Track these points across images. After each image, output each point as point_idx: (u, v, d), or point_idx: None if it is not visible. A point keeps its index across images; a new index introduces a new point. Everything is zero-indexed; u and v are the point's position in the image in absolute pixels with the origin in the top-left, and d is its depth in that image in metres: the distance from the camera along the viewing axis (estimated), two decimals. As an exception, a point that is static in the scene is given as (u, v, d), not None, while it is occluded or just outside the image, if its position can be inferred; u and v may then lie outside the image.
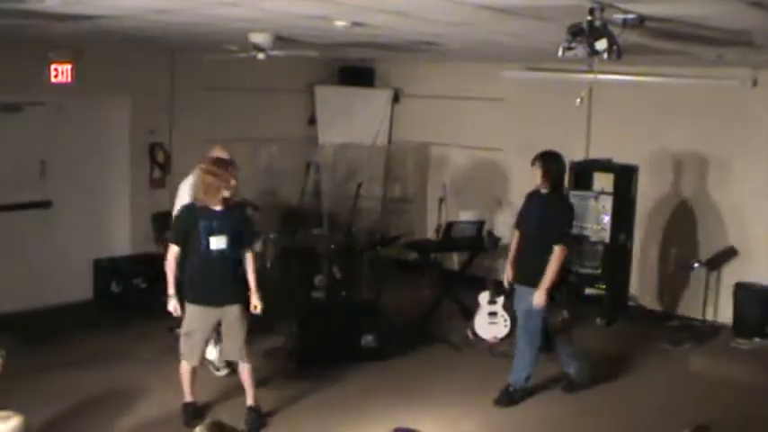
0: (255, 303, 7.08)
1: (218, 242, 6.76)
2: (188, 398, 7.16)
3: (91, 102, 9.99)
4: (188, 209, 6.92)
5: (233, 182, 6.81)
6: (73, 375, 7.75)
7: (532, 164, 7.79)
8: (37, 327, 9.09)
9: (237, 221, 6.95)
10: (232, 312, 6.97)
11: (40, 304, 9.49)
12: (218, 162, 6.91)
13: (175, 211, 7.59)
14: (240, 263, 7.02)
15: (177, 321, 8.99)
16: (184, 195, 7.82)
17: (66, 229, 9.90)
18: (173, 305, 6.88)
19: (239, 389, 7.55)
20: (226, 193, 6.78)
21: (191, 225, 6.77)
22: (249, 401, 7.16)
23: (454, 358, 8.97)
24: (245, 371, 7.13)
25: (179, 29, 7.27)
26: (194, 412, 7.12)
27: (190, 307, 6.90)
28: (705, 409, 7.74)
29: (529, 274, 7.65)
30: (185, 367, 7.09)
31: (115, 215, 10.45)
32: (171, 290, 6.85)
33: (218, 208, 6.78)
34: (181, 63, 10.65)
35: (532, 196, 7.91)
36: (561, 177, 7.87)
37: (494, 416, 7.57)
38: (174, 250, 6.83)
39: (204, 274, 6.85)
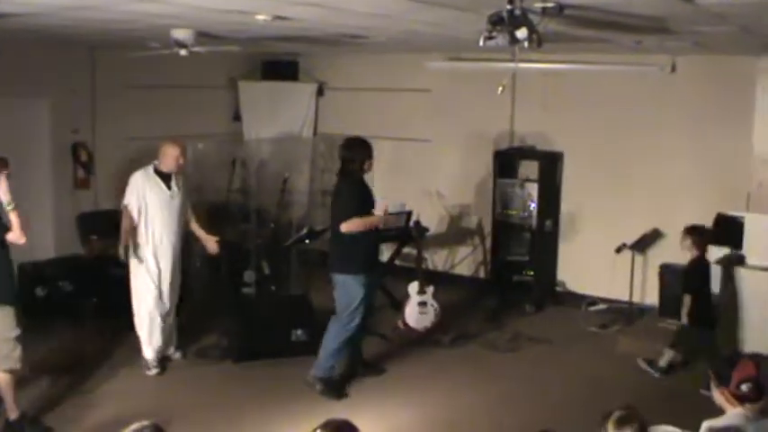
0: None
1: None
2: (18, 411, 6.79)
3: (9, 102, 9.78)
4: None
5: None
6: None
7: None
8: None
9: None
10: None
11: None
12: None
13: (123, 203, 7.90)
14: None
15: (106, 324, 8.97)
16: (131, 187, 7.97)
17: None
18: None
19: (169, 388, 7.53)
20: None
21: None
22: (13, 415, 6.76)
23: (386, 349, 8.99)
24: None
25: (97, 26, 7.18)
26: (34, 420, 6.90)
27: (9, 309, 6.63)
28: (632, 389, 7.88)
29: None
30: (7, 377, 6.67)
31: (38, 218, 10.24)
32: None
33: None
34: (101, 61, 10.51)
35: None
36: (350, 164, 7.71)
37: (428, 406, 7.61)
38: None
39: (11, 270, 6.85)
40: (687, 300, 8.19)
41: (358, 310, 7.63)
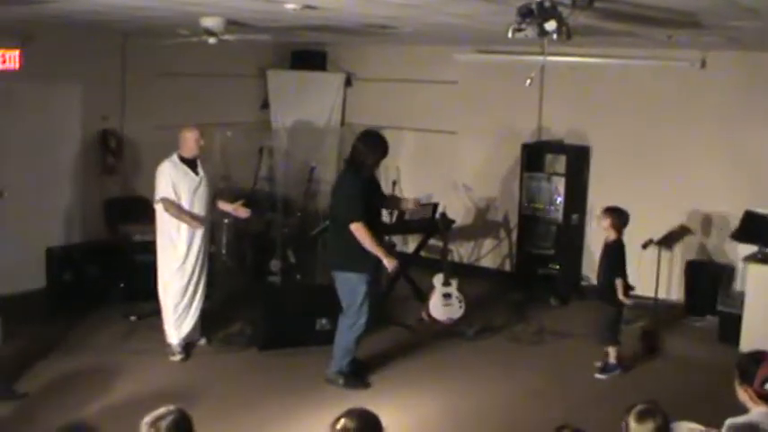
0: None
1: None
2: None
3: (41, 88, 9.85)
4: None
5: None
6: (29, 365, 7.68)
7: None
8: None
9: None
10: None
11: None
12: None
13: (156, 197, 7.94)
14: None
15: (133, 309, 9.05)
16: (165, 179, 8.00)
17: (17, 217, 9.77)
18: None
19: (193, 374, 7.57)
20: None
21: None
22: None
23: (410, 341, 9.00)
24: None
25: (128, 12, 7.21)
26: None
27: None
28: (655, 385, 7.85)
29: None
30: None
31: (67, 202, 10.34)
32: None
33: None
34: (132, 48, 10.55)
35: None
36: (362, 157, 7.61)
37: (449, 397, 7.62)
38: None
39: None
40: (620, 283, 8.11)
41: (363, 307, 7.57)
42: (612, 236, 8.25)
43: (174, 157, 8.11)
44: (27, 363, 7.76)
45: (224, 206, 8.66)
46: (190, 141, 8.09)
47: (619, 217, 8.28)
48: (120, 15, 7.48)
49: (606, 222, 8.26)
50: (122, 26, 9.00)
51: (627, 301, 8.17)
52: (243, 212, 8.65)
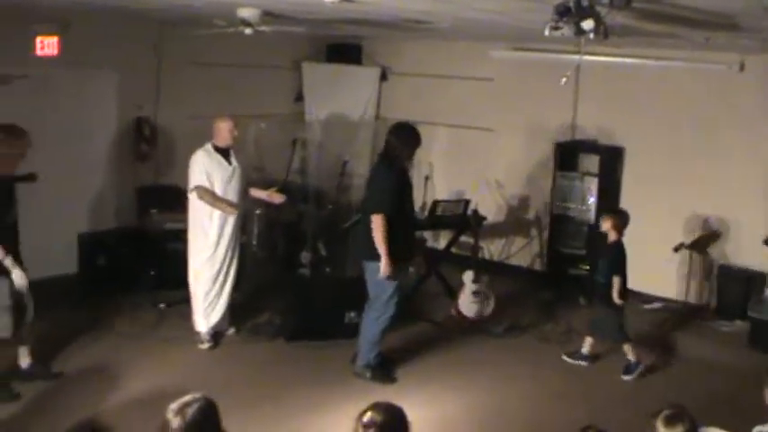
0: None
1: None
2: None
3: (77, 75, 9.92)
4: None
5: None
6: (58, 350, 7.75)
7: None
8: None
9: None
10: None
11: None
12: (12, 132, 6.96)
13: (190, 185, 8.01)
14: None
15: (163, 297, 9.10)
16: (199, 167, 8.05)
17: (50, 202, 9.84)
18: None
19: (220, 362, 7.61)
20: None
21: None
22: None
23: (438, 336, 9.00)
24: None
25: (167, 1, 7.24)
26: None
27: (3, 279, 6.80)
28: (683, 389, 7.81)
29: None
30: None
31: (100, 189, 10.41)
32: None
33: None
34: (168, 37, 10.59)
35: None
36: (395, 150, 7.64)
37: (476, 394, 7.61)
38: None
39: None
40: (617, 282, 8.09)
41: (391, 300, 7.58)
42: (613, 237, 8.25)
43: (208, 147, 8.16)
44: (57, 346, 7.83)
45: (257, 193, 8.70)
46: (224, 131, 8.14)
47: (619, 218, 8.33)
48: (157, 4, 7.52)
49: (608, 224, 8.27)
50: (159, 15, 9.04)
51: (619, 302, 8.14)
52: (277, 198, 8.69)
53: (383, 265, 7.36)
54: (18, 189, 9.34)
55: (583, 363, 8.39)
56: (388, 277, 7.43)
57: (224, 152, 8.18)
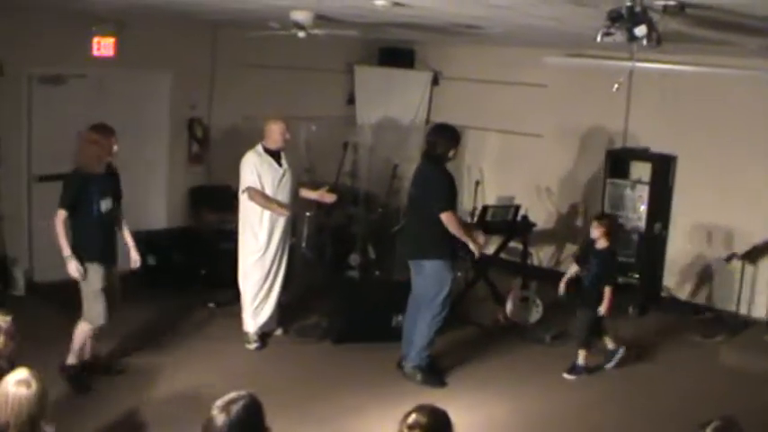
0: (136, 258, 7.42)
1: (105, 205, 7.02)
2: (76, 360, 7.22)
3: (132, 75, 10.07)
4: (78, 176, 7.02)
5: (115, 148, 7.10)
6: (107, 346, 7.83)
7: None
8: (74, 296, 9.19)
9: (116, 183, 7.27)
10: (116, 271, 7.26)
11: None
12: (101, 130, 7.06)
13: (242, 187, 8.14)
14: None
15: (213, 297, 9.17)
16: (250, 169, 8.12)
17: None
18: (74, 266, 6.90)
19: (267, 362, 7.66)
20: (108, 159, 7.11)
21: (81, 191, 6.94)
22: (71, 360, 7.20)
23: (485, 342, 8.98)
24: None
25: (220, 5, 7.31)
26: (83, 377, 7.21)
27: (94, 266, 6.99)
28: (733, 401, 7.71)
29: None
30: (88, 328, 7.14)
31: (152, 189, 10.53)
32: (68, 251, 6.90)
33: (101, 172, 7.04)
34: (222, 39, 10.70)
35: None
36: (437, 149, 7.72)
37: (522, 400, 7.59)
38: (63, 216, 6.87)
39: (100, 235, 7.05)
40: (609, 292, 8.09)
41: (449, 296, 7.63)
42: (604, 243, 8.24)
43: (259, 148, 8.22)
44: (108, 343, 7.91)
45: (308, 194, 8.76)
46: (275, 134, 8.19)
47: (612, 224, 8.42)
48: (211, 7, 7.59)
49: (601, 230, 8.23)
50: (213, 17, 9.13)
51: (606, 313, 8.17)
52: (329, 197, 8.75)
53: (474, 247, 7.71)
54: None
55: (583, 374, 8.27)
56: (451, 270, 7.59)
57: (275, 154, 8.23)
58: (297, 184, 8.62)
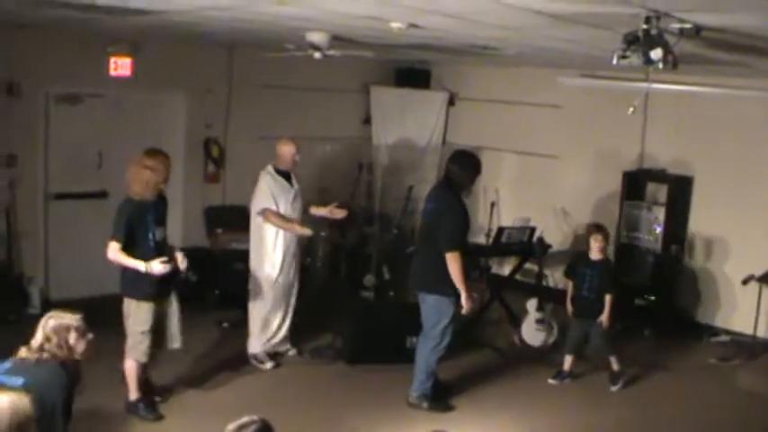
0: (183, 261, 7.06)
1: (160, 233, 6.85)
2: (138, 394, 7.09)
3: (148, 95, 10.12)
4: (132, 204, 6.83)
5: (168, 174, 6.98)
6: (119, 365, 7.82)
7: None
8: (88, 315, 9.18)
9: (165, 209, 7.07)
10: (173, 300, 7.13)
11: (93, 292, 9.60)
12: (158, 157, 6.93)
13: (257, 208, 8.06)
14: None
15: (226, 316, 9.15)
16: (265, 190, 8.09)
17: (120, 220, 10.02)
18: (155, 264, 6.67)
19: (281, 383, 7.64)
20: (162, 186, 6.96)
21: (137, 220, 6.75)
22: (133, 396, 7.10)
23: (500, 364, 8.95)
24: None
25: (236, 26, 7.34)
26: (151, 404, 7.13)
27: (145, 305, 6.84)
28: (750, 426, 7.66)
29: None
30: (136, 366, 7.01)
31: (169, 208, 10.53)
32: (141, 264, 6.67)
33: (153, 199, 6.89)
34: (238, 59, 10.75)
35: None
36: (459, 178, 7.60)
37: (537, 425, 7.54)
38: (116, 248, 6.68)
39: None
40: (611, 300, 8.23)
41: (448, 328, 7.50)
42: (600, 255, 8.37)
43: (271, 169, 8.21)
44: (118, 364, 7.89)
45: (318, 211, 8.72)
46: (287, 155, 8.19)
47: (608, 236, 8.60)
48: (227, 28, 7.62)
49: (602, 243, 8.37)
50: (229, 38, 9.17)
51: (607, 323, 8.29)
52: (339, 213, 8.69)
53: (464, 301, 7.35)
54: (88, 209, 9.59)
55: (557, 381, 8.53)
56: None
57: (286, 174, 8.23)
58: (306, 202, 8.60)
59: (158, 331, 7.06)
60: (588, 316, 8.33)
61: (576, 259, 8.80)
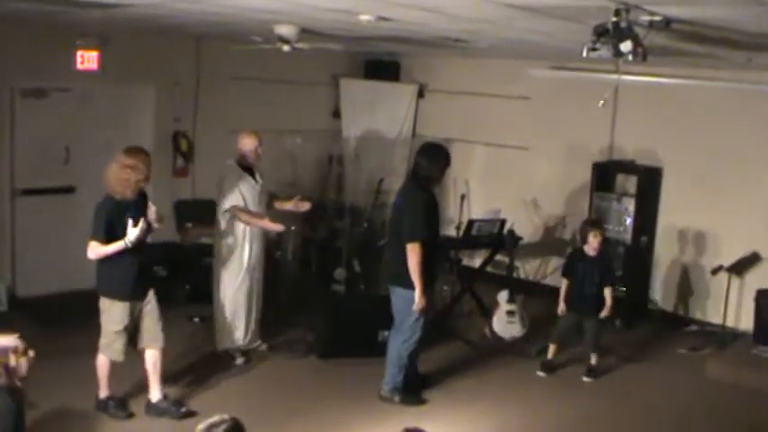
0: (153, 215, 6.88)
1: (137, 232, 6.61)
2: (108, 392, 7.02)
3: (116, 89, 10.03)
4: (112, 203, 6.68)
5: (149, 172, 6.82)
6: (89, 362, 7.72)
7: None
8: (56, 312, 9.14)
9: (145, 208, 6.87)
10: (150, 298, 6.97)
11: (61, 288, 9.54)
12: (138, 155, 6.79)
13: (225, 206, 7.93)
14: None
15: (197, 311, 9.09)
16: (232, 188, 7.97)
17: (88, 215, 9.87)
18: (134, 233, 6.52)
19: (252, 378, 7.60)
20: (143, 185, 6.82)
21: (117, 219, 6.61)
22: (158, 393, 7.03)
23: (471, 356, 8.94)
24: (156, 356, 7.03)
25: (204, 18, 7.29)
26: (121, 402, 7.07)
27: (119, 304, 6.74)
28: (721, 415, 7.70)
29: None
30: (107, 362, 6.91)
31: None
32: (121, 244, 6.54)
33: (134, 198, 6.75)
34: (207, 52, 10.67)
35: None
36: (427, 172, 7.49)
37: (508, 417, 7.55)
38: (96, 247, 6.62)
39: (132, 269, 6.76)
40: (611, 292, 8.42)
41: (419, 322, 7.43)
42: (596, 251, 8.42)
43: (235, 165, 8.09)
44: (88, 362, 7.81)
45: (282, 205, 8.58)
46: (250, 150, 8.07)
47: (605, 231, 8.78)
48: (194, 20, 7.56)
49: (601, 238, 8.45)
50: (197, 30, 9.10)
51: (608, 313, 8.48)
52: (303, 206, 8.54)
53: (417, 299, 7.26)
54: (55, 205, 9.48)
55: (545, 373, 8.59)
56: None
57: (249, 169, 8.14)
58: (269, 196, 8.51)
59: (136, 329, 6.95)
60: (586, 311, 8.40)
61: (572, 257, 8.79)
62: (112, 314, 6.77)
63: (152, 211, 6.85)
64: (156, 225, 6.92)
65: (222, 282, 8.19)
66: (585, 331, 8.51)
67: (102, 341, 6.86)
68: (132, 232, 6.52)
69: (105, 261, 6.70)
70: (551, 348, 8.61)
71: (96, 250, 6.62)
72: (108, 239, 6.60)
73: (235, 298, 8.18)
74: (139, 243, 6.67)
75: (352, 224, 11.30)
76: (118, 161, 6.72)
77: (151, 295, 6.98)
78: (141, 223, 6.55)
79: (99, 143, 9.85)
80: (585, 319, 8.46)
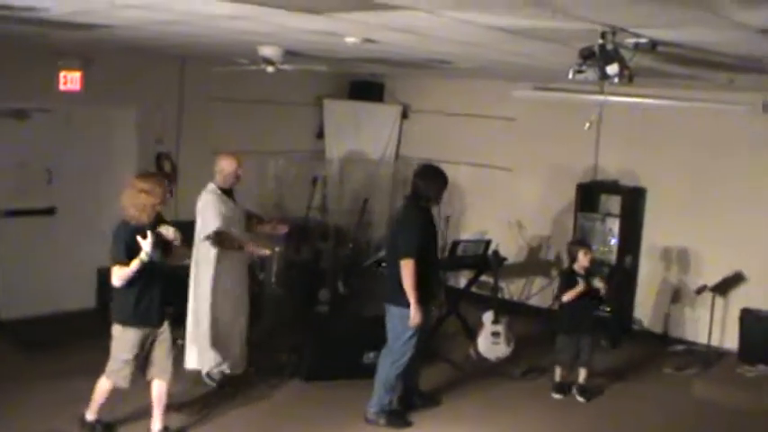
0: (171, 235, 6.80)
1: (156, 255, 6.56)
2: (97, 415, 6.96)
3: (98, 110, 9.98)
4: (129, 228, 6.60)
5: (168, 196, 6.79)
6: (74, 384, 7.67)
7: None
8: (39, 334, 9.06)
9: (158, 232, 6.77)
10: (165, 328, 6.89)
11: (42, 311, 9.47)
12: (152, 179, 6.75)
13: (206, 231, 7.82)
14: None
15: (181, 332, 9.02)
16: (213, 212, 7.85)
17: (70, 237, 9.88)
18: (147, 247, 6.43)
19: (236, 401, 7.55)
20: (160, 209, 6.73)
21: (133, 243, 6.48)
22: (159, 425, 6.95)
23: (456, 378, 8.91)
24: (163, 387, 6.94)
25: (187, 40, 7.27)
26: (108, 427, 7.02)
27: (131, 330, 6.66)
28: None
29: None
30: (108, 388, 6.85)
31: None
32: (139, 261, 6.44)
33: (150, 222, 6.64)
34: (190, 73, 10.64)
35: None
36: (423, 192, 7.56)
37: (495, 437, 7.53)
38: (119, 271, 6.53)
39: (146, 294, 6.70)
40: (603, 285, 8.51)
41: (411, 341, 7.41)
42: (586, 270, 8.47)
43: (215, 188, 7.98)
44: (73, 380, 7.75)
45: (262, 227, 8.50)
46: (230, 172, 7.97)
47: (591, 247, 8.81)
48: (178, 41, 7.53)
49: (592, 255, 8.55)
50: (180, 51, 9.08)
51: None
52: (282, 228, 8.53)
53: (413, 313, 7.24)
54: (37, 226, 9.41)
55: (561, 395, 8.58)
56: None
57: (228, 192, 8.05)
58: (247, 217, 8.41)
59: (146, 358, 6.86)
60: (581, 329, 8.43)
61: (565, 279, 8.72)
62: (124, 341, 6.68)
63: (168, 230, 6.75)
64: (176, 243, 6.84)
65: (200, 305, 8.10)
66: (581, 349, 8.49)
67: (110, 367, 6.77)
68: (146, 244, 6.41)
69: (122, 287, 6.60)
70: (557, 371, 8.60)
71: (119, 274, 6.52)
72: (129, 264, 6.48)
73: (210, 319, 8.05)
74: (158, 269, 6.63)
75: (336, 245, 11.27)
76: (133, 186, 6.64)
77: (166, 326, 6.87)
78: (150, 236, 6.44)
79: (81, 164, 9.83)
80: (582, 337, 8.46)
